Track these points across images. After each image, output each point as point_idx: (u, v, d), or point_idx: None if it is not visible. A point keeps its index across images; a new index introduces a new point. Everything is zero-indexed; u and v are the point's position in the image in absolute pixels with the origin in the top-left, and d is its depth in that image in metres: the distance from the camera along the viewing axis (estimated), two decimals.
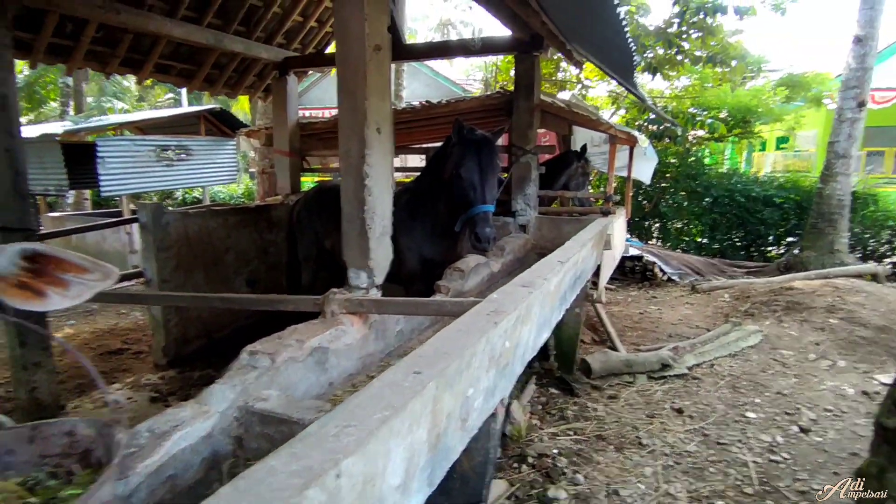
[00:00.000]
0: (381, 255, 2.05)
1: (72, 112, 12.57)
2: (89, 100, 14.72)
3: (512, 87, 4.27)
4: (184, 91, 14.41)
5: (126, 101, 16.37)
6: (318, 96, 15.06)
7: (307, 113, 12.11)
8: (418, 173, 3.68)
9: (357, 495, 0.77)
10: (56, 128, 8.58)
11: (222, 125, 9.07)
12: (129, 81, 15.05)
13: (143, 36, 4.14)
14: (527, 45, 4.04)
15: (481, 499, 1.92)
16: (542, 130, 5.44)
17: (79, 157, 6.59)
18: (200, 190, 10.72)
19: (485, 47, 4.16)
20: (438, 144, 4.09)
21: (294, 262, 3.99)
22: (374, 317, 1.92)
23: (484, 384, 1.36)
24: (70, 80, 12.40)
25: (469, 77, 16.75)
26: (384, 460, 0.85)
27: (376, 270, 2.02)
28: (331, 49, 5.78)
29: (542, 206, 4.59)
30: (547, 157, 5.25)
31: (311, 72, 6.21)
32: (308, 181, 7.74)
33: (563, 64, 10.41)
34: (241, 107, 15.75)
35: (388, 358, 1.99)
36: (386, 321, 2.00)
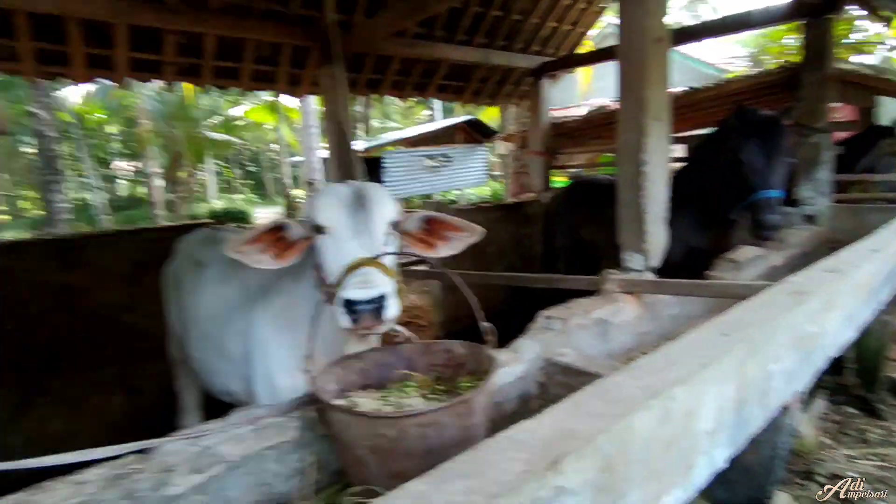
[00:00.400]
0: (657, 238, 2.11)
1: (362, 133, 15.63)
2: (374, 122, 18.07)
3: (790, 59, 3.73)
4: (437, 106, 16.47)
5: (397, 119, 19.56)
6: (558, 97, 15.37)
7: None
8: (679, 163, 3.54)
9: (681, 422, 0.90)
10: (359, 146, 10.90)
11: (475, 133, 10.13)
12: (399, 103, 17.88)
13: (428, 62, 4.99)
14: (818, 8, 3.48)
15: (765, 496, 1.82)
16: (836, 105, 4.57)
17: (370, 169, 8.29)
18: (456, 192, 12.13)
19: (764, 19, 3.73)
20: (700, 132, 3.85)
21: (550, 252, 4.28)
22: (648, 298, 2.00)
23: (784, 365, 1.33)
24: (359, 107, 15.43)
25: (728, 57, 14.82)
26: (701, 401, 0.96)
27: (651, 253, 2.09)
28: (579, 49, 5.93)
29: (837, 192, 3.88)
30: (843, 135, 4.41)
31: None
32: (553, 180, 8.06)
33: (858, 23, 8.45)
34: (487, 115, 17.19)
35: (661, 339, 2.05)
36: (660, 304, 2.06)
